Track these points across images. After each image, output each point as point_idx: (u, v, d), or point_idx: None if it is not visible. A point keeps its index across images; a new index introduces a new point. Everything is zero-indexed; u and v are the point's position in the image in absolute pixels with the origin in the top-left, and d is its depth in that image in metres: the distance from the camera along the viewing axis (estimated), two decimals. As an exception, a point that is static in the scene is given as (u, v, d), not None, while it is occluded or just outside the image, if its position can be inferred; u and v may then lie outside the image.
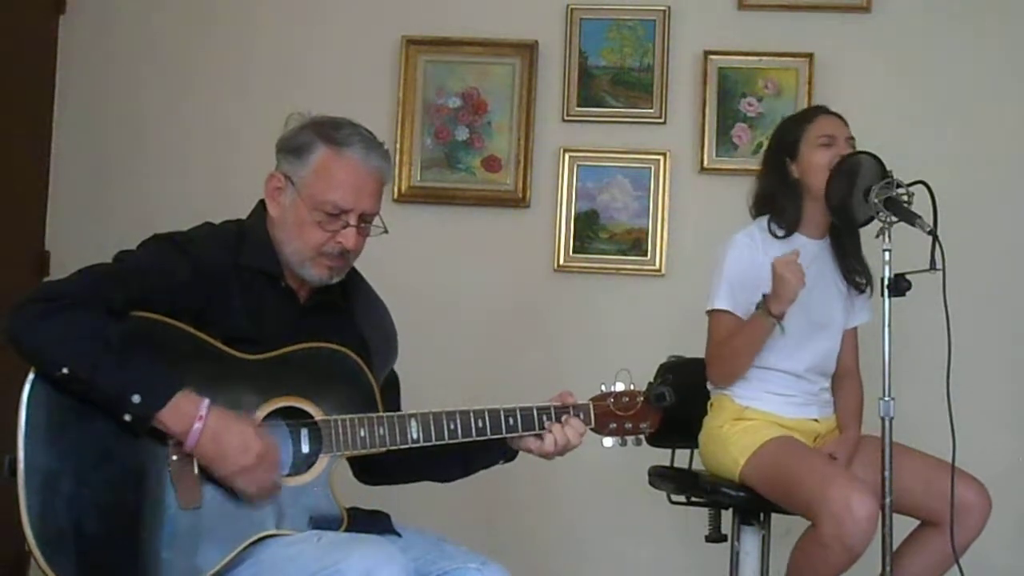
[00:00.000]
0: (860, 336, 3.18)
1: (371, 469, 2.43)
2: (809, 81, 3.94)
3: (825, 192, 2.83)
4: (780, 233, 3.02)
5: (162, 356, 2.10)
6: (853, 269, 3.09)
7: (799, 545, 2.86)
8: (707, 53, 4.00)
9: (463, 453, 2.35)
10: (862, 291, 3.11)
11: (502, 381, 3.77)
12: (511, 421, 2.29)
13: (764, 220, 3.06)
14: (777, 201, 3.05)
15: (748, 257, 2.97)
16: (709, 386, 3.11)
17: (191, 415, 2.06)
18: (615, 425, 2.39)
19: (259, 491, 2.11)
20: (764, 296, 2.84)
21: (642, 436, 2.42)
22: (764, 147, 3.25)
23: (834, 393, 3.12)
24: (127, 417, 2.04)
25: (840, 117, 3.07)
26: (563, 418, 2.33)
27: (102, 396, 2.04)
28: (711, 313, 3.01)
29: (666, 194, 3.98)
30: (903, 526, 2.91)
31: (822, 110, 3.12)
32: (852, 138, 3.03)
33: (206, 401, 2.08)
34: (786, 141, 3.06)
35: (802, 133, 3.03)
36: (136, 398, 2.03)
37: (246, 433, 2.09)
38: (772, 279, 2.82)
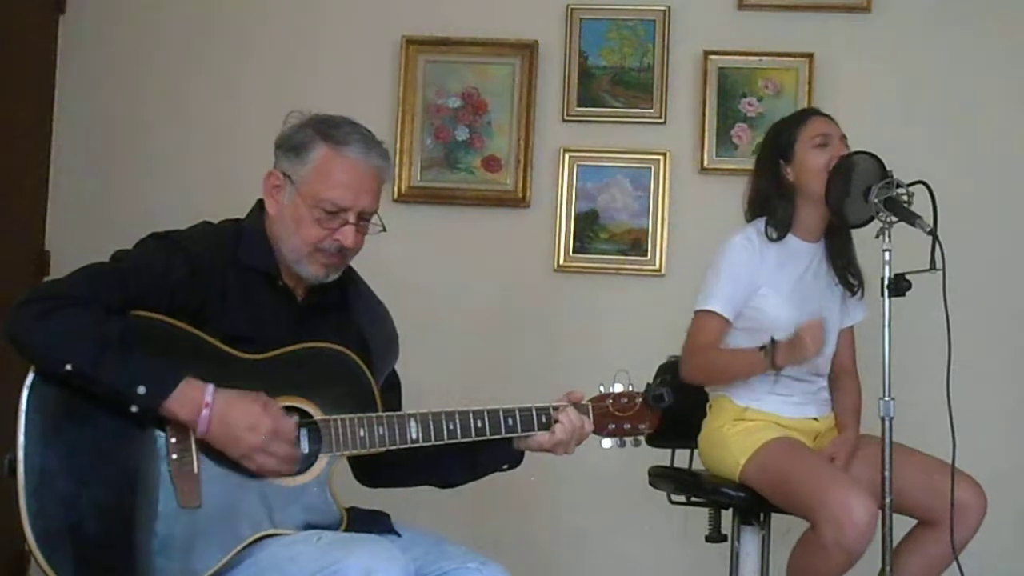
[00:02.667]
0: (860, 336, 3.18)
1: (372, 472, 2.42)
2: (809, 81, 3.94)
3: (825, 192, 2.84)
4: (774, 236, 3.01)
5: (162, 354, 2.10)
6: (846, 271, 3.09)
7: (798, 546, 2.86)
8: (707, 53, 4.00)
9: (465, 456, 2.35)
10: (854, 293, 3.11)
11: (502, 381, 3.77)
12: (511, 421, 2.29)
13: (760, 222, 3.06)
14: (771, 204, 3.05)
15: (747, 260, 2.96)
16: (708, 387, 3.11)
17: (198, 401, 2.07)
18: (614, 426, 2.39)
19: (277, 465, 2.11)
20: (773, 341, 2.84)
21: (641, 437, 2.42)
22: (757, 151, 3.25)
23: (832, 392, 3.12)
24: (134, 408, 2.04)
25: (830, 117, 3.07)
26: (567, 410, 2.33)
27: (107, 390, 2.04)
28: (700, 313, 2.99)
29: (666, 194, 3.98)
30: (903, 526, 2.91)
31: (813, 111, 3.13)
32: (845, 136, 3.03)
33: (211, 386, 2.08)
34: (780, 144, 3.06)
35: (796, 135, 3.03)
36: (142, 389, 2.04)
37: (254, 411, 2.09)
38: (793, 336, 2.81)
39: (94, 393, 2.04)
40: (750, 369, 2.90)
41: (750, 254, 2.97)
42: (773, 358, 2.82)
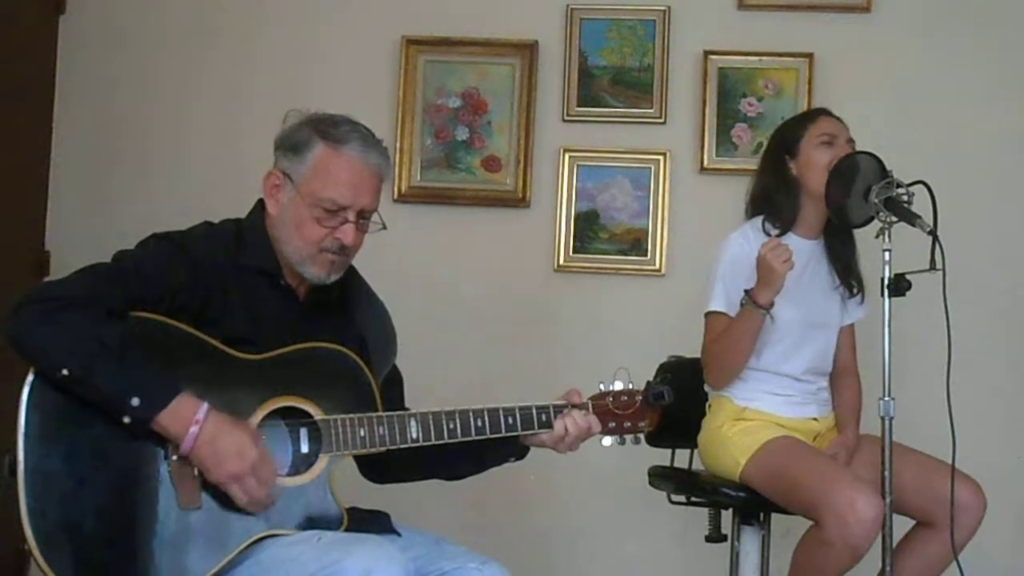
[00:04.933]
0: (860, 336, 3.18)
1: (378, 467, 2.42)
2: (809, 81, 3.94)
3: (825, 192, 2.84)
4: (774, 232, 3.02)
5: (161, 357, 2.10)
6: (846, 274, 3.09)
7: (801, 545, 2.86)
8: (707, 53, 4.00)
9: (473, 450, 2.35)
10: (853, 295, 3.11)
11: (502, 381, 3.76)
12: (510, 420, 2.30)
13: (758, 220, 3.06)
14: (774, 199, 3.05)
15: (743, 257, 2.96)
16: (707, 387, 3.11)
17: (189, 418, 2.06)
18: (614, 424, 2.39)
19: (250, 501, 2.10)
20: (747, 291, 2.85)
21: (641, 435, 2.43)
22: (764, 147, 3.26)
23: (833, 391, 3.12)
24: (126, 419, 2.04)
25: (840, 120, 3.08)
26: (566, 411, 2.33)
27: (101, 398, 2.04)
28: (706, 315, 3.00)
29: (666, 194, 3.98)
30: (904, 526, 2.91)
31: (824, 111, 3.13)
32: (852, 140, 3.04)
33: (205, 405, 2.08)
34: (787, 139, 3.07)
35: (803, 132, 3.04)
36: (135, 401, 2.03)
37: (242, 440, 2.09)
38: (758, 267, 2.82)
39: (89, 399, 2.04)
40: (749, 326, 2.88)
41: (746, 251, 2.96)
42: (755, 301, 2.82)
